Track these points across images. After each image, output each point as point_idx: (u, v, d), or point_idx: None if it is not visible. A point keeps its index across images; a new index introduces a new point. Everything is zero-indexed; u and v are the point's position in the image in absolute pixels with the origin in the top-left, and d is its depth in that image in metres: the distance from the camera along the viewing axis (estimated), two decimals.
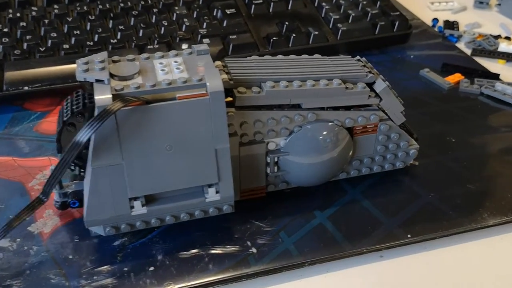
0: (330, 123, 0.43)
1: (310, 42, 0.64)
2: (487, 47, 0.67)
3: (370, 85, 0.44)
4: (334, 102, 0.43)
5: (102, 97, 0.35)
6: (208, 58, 0.41)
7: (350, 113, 0.44)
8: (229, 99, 0.41)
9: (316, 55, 0.46)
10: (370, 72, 0.44)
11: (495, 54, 0.65)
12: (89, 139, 0.35)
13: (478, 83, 0.59)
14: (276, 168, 0.44)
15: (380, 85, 0.43)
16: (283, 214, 0.44)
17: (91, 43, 0.60)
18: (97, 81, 0.37)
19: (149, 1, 0.68)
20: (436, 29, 0.72)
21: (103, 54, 0.39)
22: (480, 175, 0.47)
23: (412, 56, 0.65)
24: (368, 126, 0.45)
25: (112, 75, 0.38)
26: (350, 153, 0.45)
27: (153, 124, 0.37)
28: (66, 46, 0.59)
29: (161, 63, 0.40)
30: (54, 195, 0.42)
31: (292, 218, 0.44)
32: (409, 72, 0.62)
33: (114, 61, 0.40)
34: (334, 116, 0.43)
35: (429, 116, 0.55)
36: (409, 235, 0.42)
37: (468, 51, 0.66)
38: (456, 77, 0.60)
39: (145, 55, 0.41)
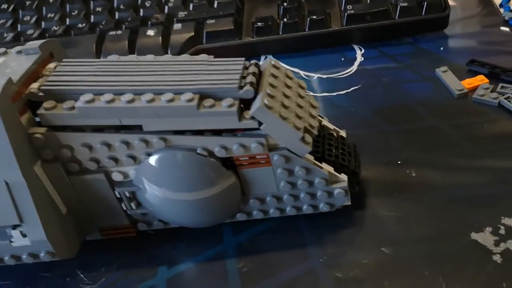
0: (188, 152, 0.32)
1: (307, 29, 0.51)
2: None
3: (250, 101, 0.32)
4: (187, 124, 0.32)
5: None
6: (32, 59, 0.33)
7: (221, 139, 0.32)
8: None
9: (202, 56, 0.35)
10: (251, 83, 0.32)
11: None
12: None
13: (502, 91, 0.41)
14: (134, 204, 0.35)
15: (256, 103, 0.31)
16: (121, 266, 0.35)
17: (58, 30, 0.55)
18: None
19: None
20: (502, 10, 0.53)
21: None
22: (412, 236, 0.33)
23: (442, 48, 0.49)
24: (257, 157, 0.33)
25: None
26: (236, 189, 0.34)
27: None
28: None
29: None
30: None
31: (127, 273, 0.34)
32: (424, 70, 0.47)
33: None
34: (196, 143, 0.32)
35: (406, 137, 0.40)
36: None
37: None
38: (476, 80, 0.43)
39: None
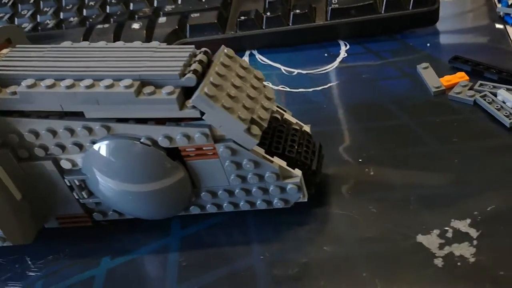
0: (131, 141, 0.32)
1: (291, 24, 0.50)
2: None
3: (193, 90, 0.31)
4: (128, 112, 0.31)
5: None
6: None
7: (164, 128, 0.32)
8: None
9: (154, 42, 0.34)
10: (194, 71, 0.31)
11: None
12: None
13: (479, 88, 0.39)
14: (86, 193, 0.34)
15: (197, 92, 0.30)
16: (69, 255, 0.35)
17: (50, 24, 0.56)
18: None
19: None
20: (499, 5, 0.50)
21: None
22: (357, 236, 0.32)
23: (428, 44, 0.47)
24: (204, 148, 0.32)
25: None
26: (185, 182, 0.33)
27: None
28: None
29: None
30: None
31: (72, 263, 0.35)
32: (406, 67, 0.45)
33: None
34: (140, 132, 0.32)
35: (373, 135, 0.39)
36: None
37: None
38: (456, 77, 0.41)
39: None
